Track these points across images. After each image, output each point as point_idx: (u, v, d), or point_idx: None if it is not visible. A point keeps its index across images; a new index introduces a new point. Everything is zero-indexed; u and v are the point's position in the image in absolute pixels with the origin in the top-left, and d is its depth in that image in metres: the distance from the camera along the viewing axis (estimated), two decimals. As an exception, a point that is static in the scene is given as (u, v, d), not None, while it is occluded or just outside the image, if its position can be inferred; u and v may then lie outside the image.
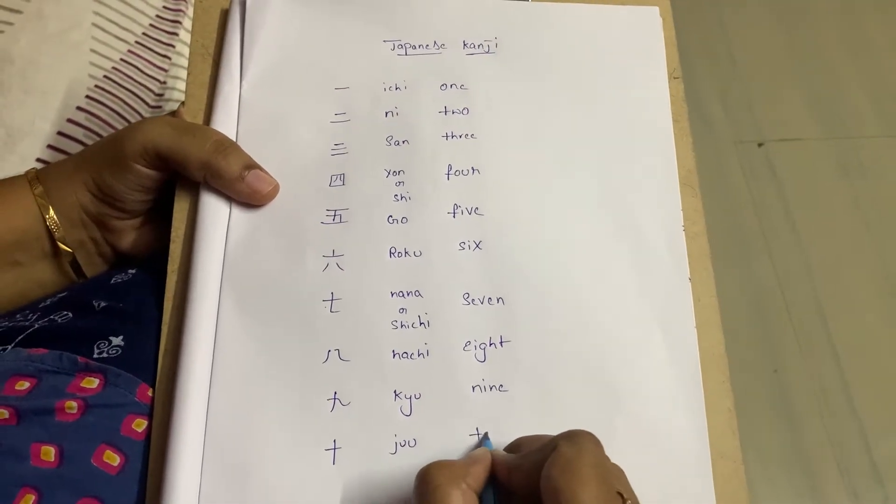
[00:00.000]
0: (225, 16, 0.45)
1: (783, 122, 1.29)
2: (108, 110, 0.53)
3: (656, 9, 0.47)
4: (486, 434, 0.36)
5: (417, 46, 0.45)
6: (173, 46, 0.58)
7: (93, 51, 0.54)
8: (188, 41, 0.57)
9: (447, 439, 0.36)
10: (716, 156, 1.24)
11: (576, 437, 0.29)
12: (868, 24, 1.39)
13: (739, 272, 1.15)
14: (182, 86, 0.58)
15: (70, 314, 0.39)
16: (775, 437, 1.01)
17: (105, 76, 0.54)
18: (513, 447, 0.33)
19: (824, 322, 1.11)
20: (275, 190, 0.41)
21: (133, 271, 0.42)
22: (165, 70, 0.57)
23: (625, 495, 0.28)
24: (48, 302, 0.41)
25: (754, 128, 1.28)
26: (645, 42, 0.46)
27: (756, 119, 1.28)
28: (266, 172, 0.41)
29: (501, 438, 0.36)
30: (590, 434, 0.29)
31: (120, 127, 0.53)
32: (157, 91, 0.56)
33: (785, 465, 0.99)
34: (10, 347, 0.37)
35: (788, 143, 1.26)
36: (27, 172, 0.42)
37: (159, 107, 0.56)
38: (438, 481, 0.29)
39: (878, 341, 1.10)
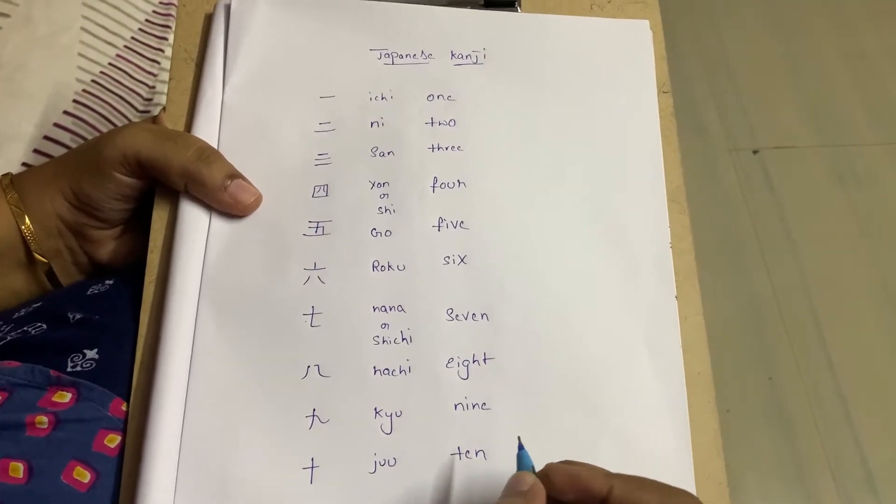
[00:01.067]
0: (209, 21, 0.44)
1: (778, 130, 1.29)
2: (95, 115, 0.52)
3: (646, 22, 0.46)
4: (521, 445, 0.33)
5: (405, 56, 0.44)
6: (162, 51, 0.57)
7: (81, 55, 0.53)
8: (177, 47, 0.57)
9: (428, 458, 0.35)
10: (711, 163, 1.25)
11: None
12: (863, 32, 1.40)
13: (734, 280, 1.15)
14: None
15: (44, 325, 0.38)
16: (770, 445, 1.01)
17: (93, 80, 0.53)
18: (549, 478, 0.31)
19: (819, 330, 1.11)
20: (257, 201, 0.40)
21: (110, 282, 0.41)
22: (154, 75, 0.56)
23: None
24: (22, 313, 0.40)
25: (749, 135, 1.28)
26: (634, 56, 0.46)
27: (751, 126, 1.29)
28: (249, 182, 0.40)
29: (483, 459, 0.35)
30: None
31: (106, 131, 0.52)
32: (145, 96, 0.56)
33: (779, 473, 0.99)
34: None
35: (783, 151, 1.26)
36: (1, 179, 0.41)
37: (148, 111, 0.56)
38: None
39: (872, 350, 1.10)
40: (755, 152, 1.26)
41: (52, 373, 0.35)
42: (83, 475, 0.34)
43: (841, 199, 1.23)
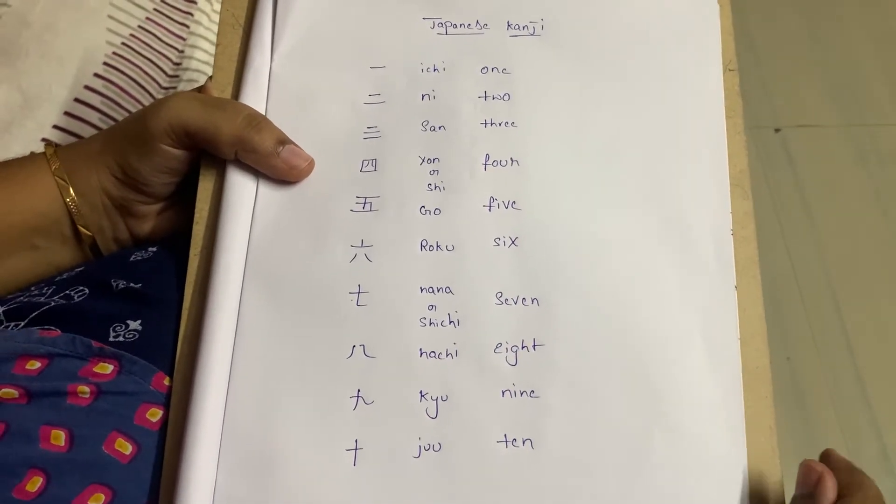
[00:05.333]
0: (258, -15, 0.43)
1: (801, 109, 1.26)
2: (125, 78, 0.52)
3: (714, -6, 0.44)
4: None
5: (459, 25, 0.43)
6: (192, 15, 0.56)
7: (110, 17, 0.52)
8: (207, 10, 0.55)
9: (474, 445, 0.34)
10: (731, 142, 1.24)
11: None
12: (889, 10, 1.35)
13: None
14: (200, 55, 0.56)
15: (86, 290, 0.38)
16: (786, 425, 1.00)
17: (123, 43, 0.52)
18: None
19: (838, 310, 1.09)
20: (310, 166, 0.39)
21: (153, 249, 0.40)
22: (184, 39, 0.55)
23: None
24: (64, 275, 0.39)
25: (771, 113, 1.25)
26: (699, 30, 0.43)
27: (773, 105, 1.26)
28: (301, 148, 0.39)
29: (531, 448, 0.34)
30: None
31: (138, 95, 0.52)
32: (175, 60, 0.55)
33: (795, 453, 0.97)
34: (22, 324, 0.36)
35: (806, 130, 1.23)
36: (46, 149, 0.40)
37: (177, 76, 0.55)
38: None
39: (891, 331, 1.09)
40: (777, 131, 1.22)
41: (95, 344, 0.35)
42: (125, 447, 0.33)
43: (863, 179, 1.20)
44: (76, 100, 0.50)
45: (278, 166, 0.38)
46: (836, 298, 1.10)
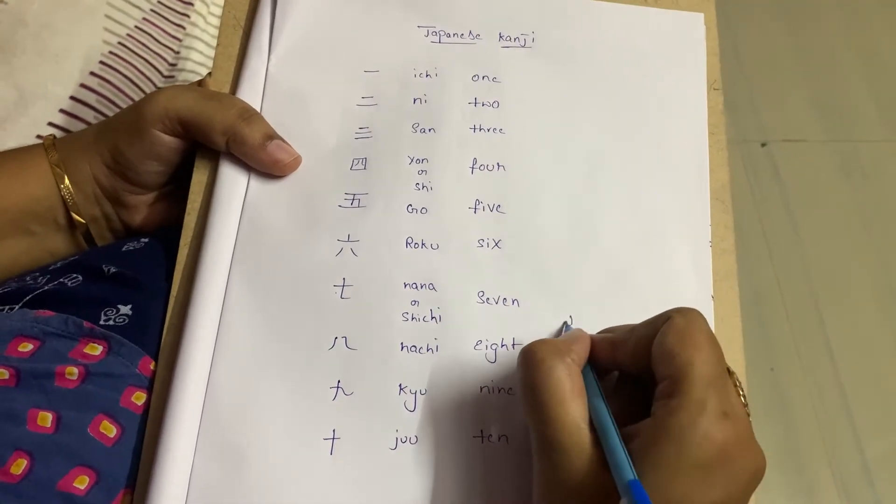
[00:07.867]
0: (259, -12, 0.44)
1: (787, 123, 1.28)
2: (121, 77, 0.52)
3: (701, 16, 0.45)
4: (566, 323, 0.37)
5: (452, 35, 0.44)
6: (188, 16, 0.57)
7: (107, 16, 0.53)
8: (203, 12, 0.56)
9: (451, 439, 0.35)
10: (718, 155, 1.26)
11: (688, 311, 0.30)
12: (874, 26, 1.38)
13: (738, 270, 1.16)
14: (196, 56, 0.57)
15: (80, 277, 0.39)
16: (769, 436, 1.01)
17: (119, 42, 0.53)
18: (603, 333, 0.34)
19: (821, 322, 1.11)
20: (296, 162, 0.40)
21: (146, 240, 0.41)
22: (180, 40, 0.56)
23: (730, 369, 0.30)
24: (58, 264, 0.40)
25: (758, 128, 1.27)
26: (686, 49, 0.45)
27: (760, 119, 1.28)
28: (288, 144, 0.40)
29: (506, 444, 0.35)
30: (699, 311, 0.30)
31: (133, 95, 0.53)
32: (170, 60, 0.56)
33: (778, 465, 1.00)
34: (17, 307, 0.36)
35: (791, 144, 1.26)
36: (45, 139, 0.41)
37: (172, 76, 0.56)
38: (542, 355, 0.30)
39: (873, 343, 1.10)
40: (763, 145, 1.25)
41: (86, 324, 0.36)
42: (109, 429, 0.34)
43: (847, 193, 1.22)
44: (72, 98, 0.51)
45: (263, 159, 0.39)
46: (820, 310, 1.12)
